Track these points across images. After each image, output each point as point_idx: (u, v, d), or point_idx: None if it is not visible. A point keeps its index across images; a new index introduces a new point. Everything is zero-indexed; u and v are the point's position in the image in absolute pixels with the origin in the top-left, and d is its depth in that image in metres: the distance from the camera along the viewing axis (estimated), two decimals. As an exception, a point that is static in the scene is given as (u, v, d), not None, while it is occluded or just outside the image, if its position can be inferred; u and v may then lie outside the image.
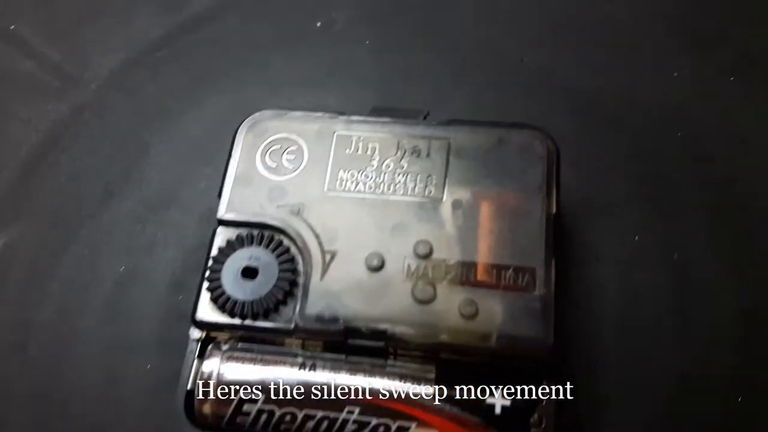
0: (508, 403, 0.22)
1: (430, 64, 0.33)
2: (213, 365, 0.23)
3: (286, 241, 0.25)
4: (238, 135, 0.27)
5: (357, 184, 0.26)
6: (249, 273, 0.24)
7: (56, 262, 0.30)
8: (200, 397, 0.23)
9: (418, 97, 0.32)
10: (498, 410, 0.22)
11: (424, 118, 0.27)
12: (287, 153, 0.27)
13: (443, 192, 0.25)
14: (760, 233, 0.28)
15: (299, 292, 0.24)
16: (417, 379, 0.22)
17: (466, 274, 0.24)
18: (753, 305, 0.26)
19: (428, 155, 0.26)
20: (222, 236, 0.25)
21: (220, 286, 0.24)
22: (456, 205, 0.25)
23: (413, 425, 0.22)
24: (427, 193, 0.25)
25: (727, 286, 0.27)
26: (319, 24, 0.35)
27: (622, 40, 0.33)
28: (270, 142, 0.27)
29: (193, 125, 0.33)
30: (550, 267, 0.23)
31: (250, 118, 0.27)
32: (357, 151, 0.26)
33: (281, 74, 0.34)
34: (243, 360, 0.23)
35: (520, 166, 0.25)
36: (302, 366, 0.23)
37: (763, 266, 0.27)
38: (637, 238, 0.28)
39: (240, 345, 0.24)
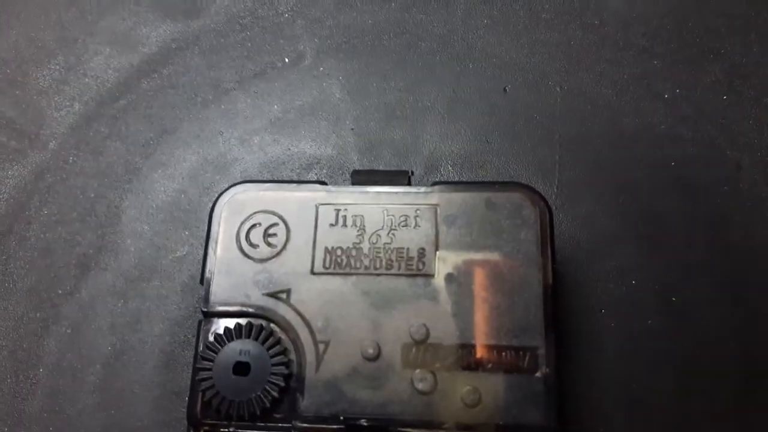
0: (516, 492, 0.22)
1: (408, 100, 0.31)
2: (214, 469, 0.23)
3: (276, 330, 0.24)
4: (214, 214, 0.26)
5: (345, 261, 0.24)
6: (241, 369, 0.23)
7: (40, 346, 0.29)
8: (205, 501, 0.23)
9: (397, 136, 0.31)
10: (508, 501, 0.22)
11: (409, 180, 0.26)
12: (269, 231, 0.25)
13: (435, 266, 0.24)
14: (758, 269, 0.27)
15: (294, 385, 0.23)
16: (424, 474, 0.22)
17: (465, 358, 0.23)
18: (755, 346, 0.26)
19: (416, 225, 0.25)
20: (208, 329, 0.24)
21: (212, 386, 0.23)
22: (449, 279, 0.24)
23: None
24: (418, 267, 0.24)
25: (729, 328, 0.26)
26: (286, 60, 0.33)
27: (610, 60, 0.31)
28: (249, 218, 0.25)
29: (162, 185, 0.31)
30: (551, 345, 0.23)
31: (225, 193, 0.26)
32: (342, 224, 0.25)
33: (250, 120, 0.32)
34: (244, 462, 0.23)
35: (513, 231, 0.24)
36: (304, 465, 0.23)
37: (764, 306, 0.27)
38: (633, 282, 0.28)
39: (240, 442, 0.23)
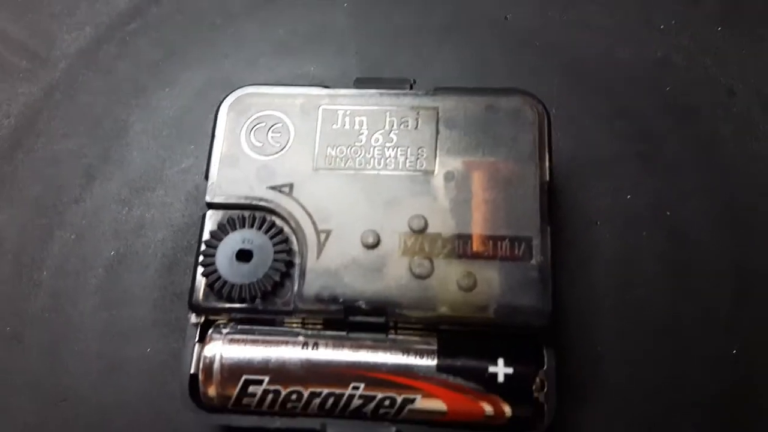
0: (510, 371, 0.22)
1: (412, 26, 0.32)
2: (215, 349, 0.23)
3: (278, 222, 0.25)
4: (220, 114, 0.26)
5: (347, 160, 0.25)
6: (244, 256, 0.24)
7: (44, 250, 0.29)
8: (204, 380, 0.23)
9: (401, 62, 0.31)
10: (501, 379, 0.22)
11: (411, 87, 0.27)
12: (272, 131, 0.26)
13: (435, 164, 0.25)
14: (749, 187, 0.28)
15: (296, 273, 0.24)
16: (419, 352, 0.23)
17: (462, 247, 0.24)
18: (747, 258, 0.27)
19: (417, 127, 0.25)
20: (212, 220, 0.25)
21: (215, 271, 0.24)
22: (448, 176, 0.25)
23: (418, 397, 0.22)
24: (418, 165, 0.25)
25: (721, 241, 0.27)
26: (293, -14, 0.33)
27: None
28: (254, 120, 0.26)
29: (169, 102, 0.32)
30: (546, 235, 0.24)
31: (231, 95, 0.27)
32: (344, 125, 0.26)
33: (256, 44, 0.33)
34: (245, 342, 0.23)
35: (511, 133, 0.25)
36: (304, 345, 0.23)
37: (753, 220, 0.27)
38: (629, 197, 0.28)
39: (240, 327, 0.24)
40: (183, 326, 0.27)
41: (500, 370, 0.22)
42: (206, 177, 0.25)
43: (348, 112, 0.26)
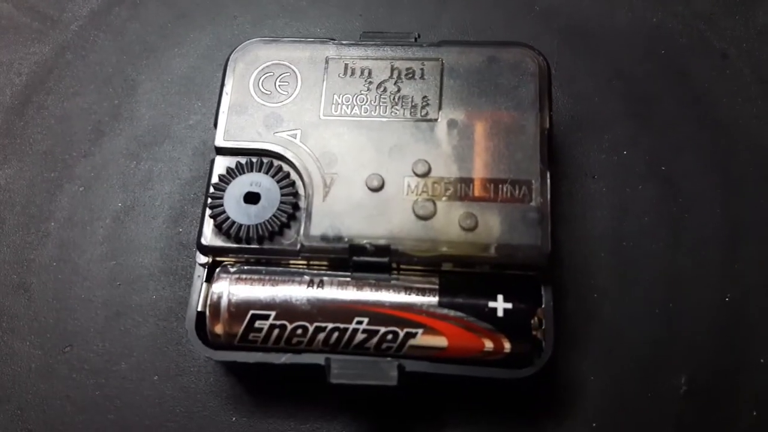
0: (509, 306, 0.23)
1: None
2: (222, 287, 0.24)
3: (285, 167, 0.25)
4: (229, 64, 0.27)
5: (353, 107, 0.26)
6: (251, 198, 0.25)
7: (52, 202, 0.30)
8: (211, 317, 0.24)
9: (403, 22, 0.32)
10: (500, 313, 0.23)
11: (415, 40, 0.27)
12: (280, 80, 0.27)
13: (439, 112, 0.26)
14: (741, 144, 0.29)
15: (302, 215, 0.24)
16: (422, 290, 0.23)
17: (464, 190, 0.24)
18: (739, 211, 0.28)
19: (422, 77, 0.26)
20: (221, 164, 0.26)
21: (223, 212, 0.24)
22: (451, 124, 0.25)
23: (420, 331, 0.23)
24: (422, 114, 0.26)
25: (714, 195, 0.28)
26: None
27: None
28: (262, 69, 0.27)
29: (178, 62, 0.33)
30: (545, 179, 0.24)
31: (240, 47, 0.27)
32: (351, 75, 0.26)
33: (263, 6, 0.34)
34: (251, 281, 0.24)
35: (513, 84, 0.26)
36: (310, 284, 0.24)
37: (744, 173, 0.28)
38: (625, 152, 0.29)
39: (247, 267, 0.24)
40: (189, 275, 0.28)
41: (499, 305, 0.23)
42: (215, 124, 0.26)
43: (355, 63, 0.27)
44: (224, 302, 0.24)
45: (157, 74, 0.32)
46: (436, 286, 0.23)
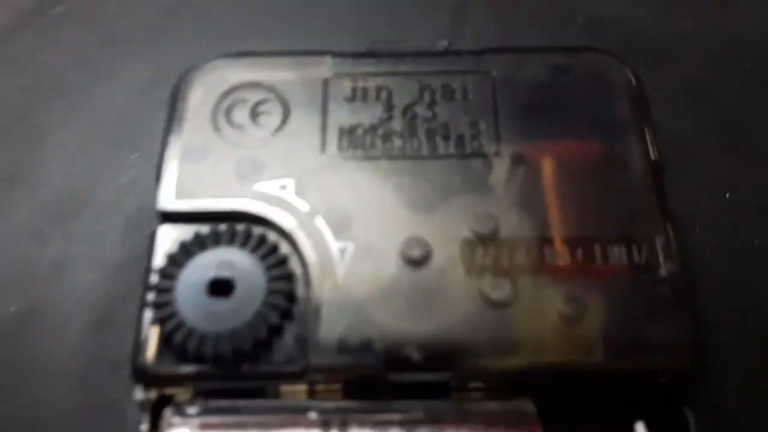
0: (657, 444, 0.14)
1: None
2: (176, 443, 0.14)
3: (272, 235, 0.16)
4: (180, 90, 0.18)
5: (370, 143, 0.17)
6: (220, 289, 0.15)
7: None
8: (160, 499, 0.14)
9: (410, 38, 0.24)
10: (645, 458, 0.14)
11: (446, 49, 0.19)
12: (259, 110, 0.18)
13: (497, 144, 0.17)
14: None
15: (302, 311, 0.15)
16: (511, 426, 0.14)
17: (554, 258, 0.16)
18: None
19: (465, 96, 0.18)
20: (169, 237, 0.16)
21: (174, 314, 0.15)
22: (517, 160, 0.17)
23: (519, 501, 0.14)
24: (473, 148, 0.17)
25: None
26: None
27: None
28: (230, 95, 0.18)
29: (103, 102, 0.24)
30: (671, 233, 0.16)
31: (196, 66, 0.19)
32: (362, 98, 0.18)
33: (220, 24, 0.25)
34: (225, 428, 0.14)
35: (596, 102, 0.18)
36: (323, 426, 0.14)
37: None
38: (727, 195, 0.22)
39: (215, 405, 0.15)
40: (122, 410, 0.18)
41: (643, 443, 0.14)
42: (157, 177, 0.17)
43: (366, 81, 0.18)
44: (181, 471, 0.14)
45: (73, 120, 0.23)
46: (536, 418, 0.14)
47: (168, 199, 0.17)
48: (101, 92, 0.24)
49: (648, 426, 0.14)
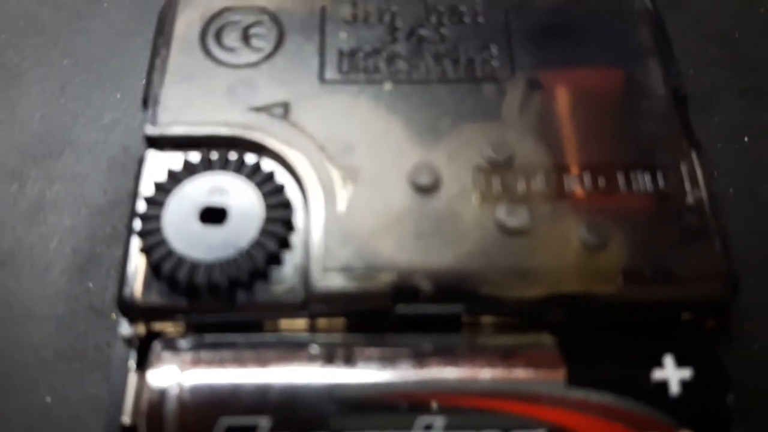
0: (687, 375, 0.13)
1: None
2: (168, 377, 0.13)
3: (267, 162, 0.15)
4: (167, 14, 0.17)
5: (374, 66, 0.16)
6: (212, 216, 0.14)
7: None
8: (148, 437, 0.13)
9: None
10: (674, 389, 0.13)
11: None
12: (251, 32, 0.17)
13: (511, 67, 0.16)
14: None
15: (303, 239, 0.14)
16: (533, 360, 0.13)
17: (574, 185, 0.15)
18: None
19: (476, 17, 0.17)
20: (157, 164, 0.15)
21: (162, 242, 0.14)
22: (533, 84, 0.16)
23: (540, 435, 0.13)
24: (485, 72, 0.16)
25: None
26: None
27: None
28: (220, 17, 0.17)
29: (84, 39, 0.22)
30: (697, 160, 0.15)
31: (182, -10, 0.17)
32: (364, 20, 0.17)
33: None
34: (220, 363, 0.13)
35: (616, 27, 0.17)
36: (327, 360, 0.13)
37: None
38: (746, 139, 0.21)
39: (209, 339, 0.14)
40: (106, 359, 0.17)
41: (671, 374, 0.13)
42: (144, 102, 0.16)
43: (368, 3, 0.17)
44: (172, 407, 0.13)
45: (52, 57, 0.22)
46: (555, 350, 0.13)
47: (155, 123, 0.15)
48: (81, 31, 0.22)
49: (677, 362, 0.13)
